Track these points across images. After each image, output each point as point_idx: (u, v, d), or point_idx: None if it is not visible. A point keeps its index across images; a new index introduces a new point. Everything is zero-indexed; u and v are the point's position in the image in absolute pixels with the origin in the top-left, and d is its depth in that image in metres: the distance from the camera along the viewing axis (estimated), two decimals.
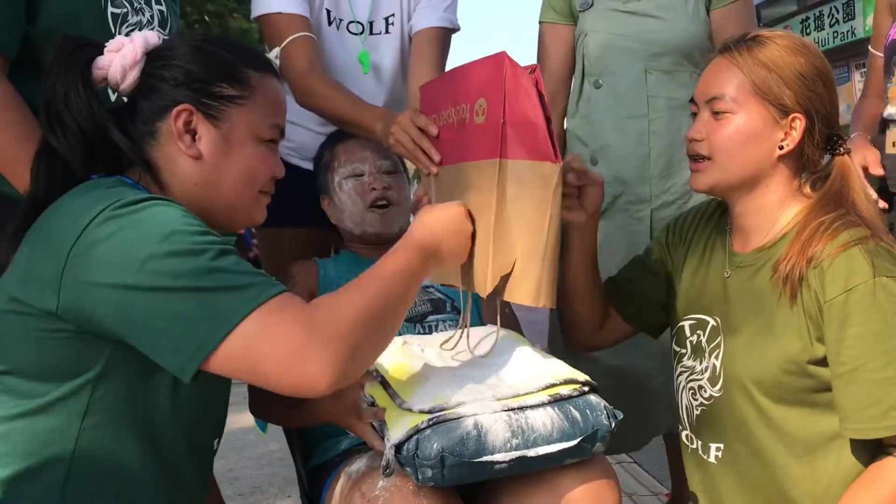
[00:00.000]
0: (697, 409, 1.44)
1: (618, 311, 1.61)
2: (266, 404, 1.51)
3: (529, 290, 1.23)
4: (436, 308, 1.69)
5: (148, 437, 1.11)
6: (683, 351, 1.48)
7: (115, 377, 1.07)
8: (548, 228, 1.21)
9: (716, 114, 1.35)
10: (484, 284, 1.27)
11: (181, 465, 1.17)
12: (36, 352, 1.05)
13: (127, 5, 1.55)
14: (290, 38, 1.73)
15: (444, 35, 1.95)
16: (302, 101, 1.76)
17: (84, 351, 1.05)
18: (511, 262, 1.25)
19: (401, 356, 1.37)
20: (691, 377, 1.45)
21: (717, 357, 1.40)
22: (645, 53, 1.95)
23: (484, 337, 1.46)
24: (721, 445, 1.40)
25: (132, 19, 1.55)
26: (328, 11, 1.88)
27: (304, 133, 1.95)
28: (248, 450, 3.45)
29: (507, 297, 1.26)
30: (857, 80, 3.27)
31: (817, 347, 1.27)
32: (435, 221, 1.25)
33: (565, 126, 2.06)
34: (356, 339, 1.04)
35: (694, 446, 1.46)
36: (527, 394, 1.27)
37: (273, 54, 1.32)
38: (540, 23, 2.10)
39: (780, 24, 3.54)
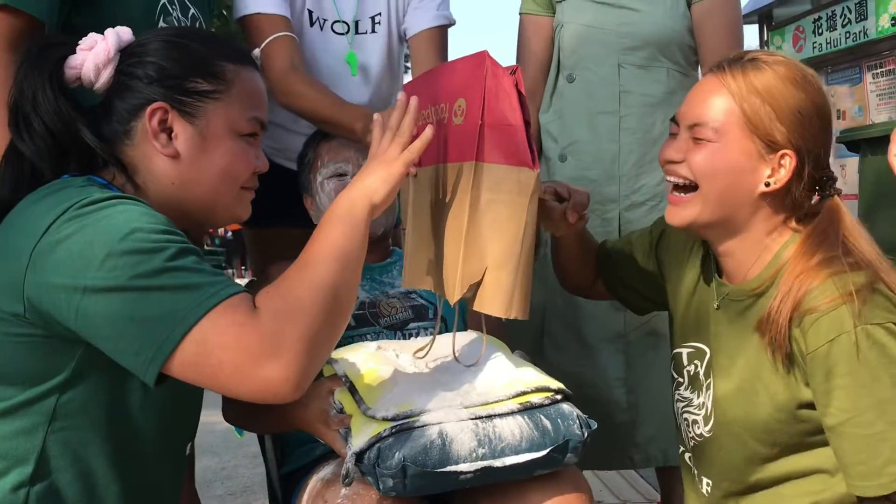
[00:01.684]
0: (691, 442, 1.39)
1: (604, 284, 1.61)
2: (237, 411, 1.48)
3: (501, 301, 1.18)
4: (418, 315, 1.65)
5: (118, 440, 1.08)
6: (681, 380, 1.43)
7: (84, 381, 1.04)
8: (522, 237, 1.17)
9: (696, 139, 1.26)
10: (452, 291, 1.23)
11: (152, 469, 1.15)
12: (4, 355, 1.03)
13: (175, 24, 1.55)
14: (270, 37, 1.70)
15: (441, 33, 1.92)
16: (282, 102, 1.74)
17: (52, 355, 1.02)
18: (482, 269, 1.20)
19: (372, 361, 1.34)
20: (688, 408, 1.40)
21: (709, 397, 1.35)
22: (619, 47, 1.89)
23: (465, 344, 1.42)
24: (710, 482, 1.36)
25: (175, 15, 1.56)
26: (310, 12, 1.85)
27: (290, 135, 1.92)
28: (244, 448, 3.43)
29: (476, 307, 1.22)
30: (869, 81, 3.21)
31: (805, 391, 1.21)
32: (354, 185, 1.17)
33: (540, 121, 2.02)
34: (311, 333, 1.00)
35: (693, 472, 1.41)
36: (496, 402, 1.23)
37: (253, 55, 1.29)
38: (520, 14, 2.05)
39: (792, 24, 3.49)
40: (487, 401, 1.23)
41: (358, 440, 1.18)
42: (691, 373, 1.41)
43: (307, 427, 1.34)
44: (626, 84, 1.90)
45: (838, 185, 1.31)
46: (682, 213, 1.29)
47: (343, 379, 1.30)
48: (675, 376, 1.45)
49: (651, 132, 1.89)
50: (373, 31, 1.91)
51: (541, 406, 1.24)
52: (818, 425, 1.20)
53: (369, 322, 1.61)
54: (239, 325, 0.97)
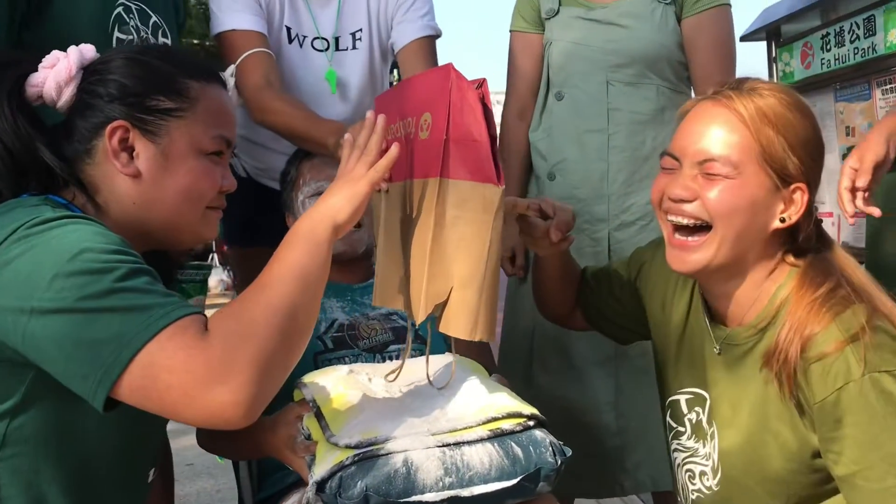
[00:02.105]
0: (693, 494, 1.33)
1: (583, 314, 1.56)
2: (209, 436, 1.45)
3: (465, 322, 1.14)
4: (398, 337, 1.61)
5: (73, 468, 1.05)
6: (682, 429, 1.36)
7: (36, 406, 1.01)
8: (487, 256, 1.13)
9: (708, 174, 1.18)
10: (418, 310, 1.20)
11: (110, 498, 1.11)
12: None
13: (133, 33, 1.52)
14: (245, 54, 1.69)
15: (428, 44, 1.91)
16: (257, 118, 1.72)
17: (1, 379, 0.99)
18: (447, 289, 1.16)
19: (342, 386, 1.30)
20: (691, 459, 1.34)
21: (714, 447, 1.28)
22: (606, 64, 1.86)
23: (441, 367, 1.38)
24: None
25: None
26: (288, 29, 1.84)
27: (273, 155, 1.90)
28: (241, 470, 3.38)
29: (441, 329, 1.18)
30: (879, 97, 3.14)
31: (814, 438, 1.15)
32: (318, 205, 1.13)
33: (530, 139, 1.98)
34: (264, 357, 0.95)
35: None
36: (465, 428, 1.19)
37: (228, 72, 1.28)
38: (510, 31, 2.02)
39: (800, 40, 3.42)
40: (456, 427, 1.19)
41: (320, 468, 1.14)
42: (693, 421, 1.34)
43: (276, 453, 1.31)
44: (615, 101, 1.86)
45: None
46: (695, 258, 1.20)
47: (311, 404, 1.27)
48: (674, 425, 1.38)
49: (640, 150, 1.85)
50: (353, 47, 1.89)
51: (512, 433, 1.20)
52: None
53: (348, 345, 1.57)
54: (188, 347, 0.93)
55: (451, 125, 1.14)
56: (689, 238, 1.21)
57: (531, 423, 1.22)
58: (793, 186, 1.17)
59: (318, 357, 1.54)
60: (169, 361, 0.92)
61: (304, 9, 1.85)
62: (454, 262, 1.16)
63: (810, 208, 1.19)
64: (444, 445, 1.16)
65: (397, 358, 1.58)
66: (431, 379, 1.32)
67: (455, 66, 1.16)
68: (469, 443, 1.17)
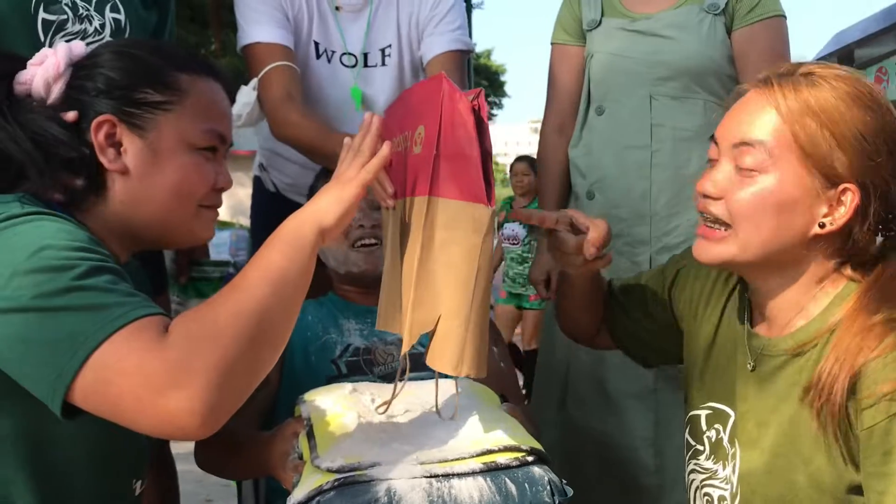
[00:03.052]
0: None
1: (610, 333, 1.45)
2: (208, 455, 1.39)
3: (450, 355, 1.05)
4: (415, 364, 1.54)
5: (47, 479, 1.01)
6: (700, 448, 1.25)
7: (4, 411, 0.97)
8: (475, 283, 1.04)
9: (741, 169, 1.09)
10: (405, 338, 1.12)
11: None
12: None
13: (68, 11, 1.44)
14: (267, 67, 1.66)
15: (458, 58, 1.85)
16: (275, 133, 1.69)
17: None
18: (434, 318, 1.08)
19: (340, 406, 1.25)
20: (709, 482, 1.22)
21: (734, 469, 1.17)
22: (650, 77, 1.77)
23: (450, 396, 1.31)
24: None
25: (72, 28, 1.46)
26: (316, 44, 1.81)
27: (300, 170, 1.88)
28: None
29: (428, 362, 1.10)
30: None
31: (853, 473, 1.03)
32: (305, 207, 1.08)
33: (569, 156, 1.91)
34: (226, 363, 0.89)
35: None
36: (457, 459, 1.11)
37: (251, 85, 1.26)
38: (551, 44, 1.96)
39: (874, 64, 3.23)
40: (447, 458, 1.11)
41: (299, 491, 1.08)
42: (713, 439, 1.22)
43: (271, 471, 1.26)
44: (659, 117, 1.77)
45: None
46: (715, 250, 1.13)
47: (305, 422, 1.22)
48: (693, 443, 1.27)
49: (685, 168, 1.76)
50: (382, 63, 1.85)
51: (507, 467, 1.11)
52: None
53: (362, 370, 1.51)
54: (143, 350, 0.88)
55: (442, 140, 1.07)
56: (714, 227, 1.13)
57: (530, 458, 1.13)
58: (841, 187, 1.04)
59: (331, 382, 1.49)
60: (122, 364, 0.87)
61: (333, 23, 1.82)
62: (443, 290, 1.08)
63: (867, 213, 1.05)
64: (431, 476, 1.08)
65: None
66: (440, 407, 1.25)
67: (447, 77, 1.09)
68: (459, 475, 1.09)
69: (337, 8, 1.81)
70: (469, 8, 1.99)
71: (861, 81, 1.09)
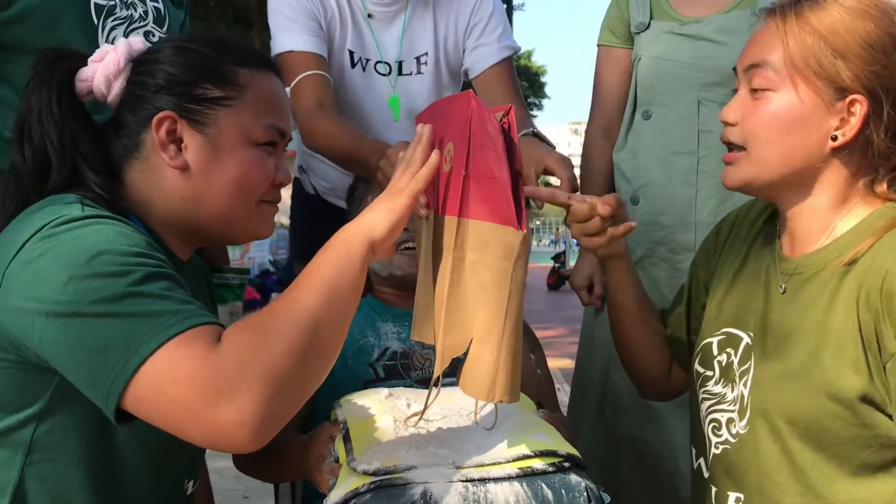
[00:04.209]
0: (718, 449, 1.20)
1: (676, 359, 1.41)
2: (245, 457, 1.39)
3: (482, 381, 1.04)
4: (452, 370, 1.53)
5: (103, 477, 1.02)
6: (709, 374, 1.24)
7: (62, 412, 0.99)
8: (506, 309, 1.02)
9: (754, 91, 1.13)
10: (437, 362, 1.11)
11: None
12: None
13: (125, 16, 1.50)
14: (300, 76, 1.65)
15: (507, 66, 1.84)
16: (306, 142, 1.68)
17: (28, 383, 0.97)
18: (466, 341, 1.07)
19: (376, 409, 1.25)
20: (717, 406, 1.21)
21: (745, 384, 1.16)
22: (699, 82, 1.74)
23: (486, 406, 1.30)
24: (742, 496, 1.15)
25: (120, 13, 1.50)
26: (351, 52, 1.79)
27: (338, 174, 1.86)
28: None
29: (461, 387, 1.09)
30: None
31: (877, 384, 1.02)
32: (357, 219, 1.07)
33: (614, 160, 1.88)
34: (278, 375, 0.89)
35: (711, 491, 1.22)
36: (493, 464, 1.10)
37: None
38: (598, 46, 1.94)
39: None
40: (483, 462, 1.11)
41: (336, 494, 1.08)
42: (723, 363, 1.22)
43: (308, 474, 1.26)
44: (707, 123, 1.74)
45: None
46: (737, 173, 1.16)
47: (342, 425, 1.23)
48: (702, 370, 1.26)
49: None
50: (418, 72, 1.83)
51: (544, 473, 1.10)
52: (881, 436, 1.01)
53: (399, 374, 1.50)
54: (196, 358, 0.87)
55: (471, 160, 1.05)
56: (735, 152, 1.17)
57: (567, 464, 1.12)
58: (849, 98, 1.07)
59: (368, 385, 1.49)
60: (175, 373, 0.87)
61: (367, 31, 1.80)
62: (475, 314, 1.06)
63: (881, 121, 1.07)
64: (467, 480, 1.08)
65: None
66: (480, 417, 1.24)
67: (475, 94, 1.07)
68: (495, 480, 1.08)
69: (369, 15, 1.79)
70: (510, 9, 1.97)
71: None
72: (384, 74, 1.81)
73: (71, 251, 0.92)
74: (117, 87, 1.10)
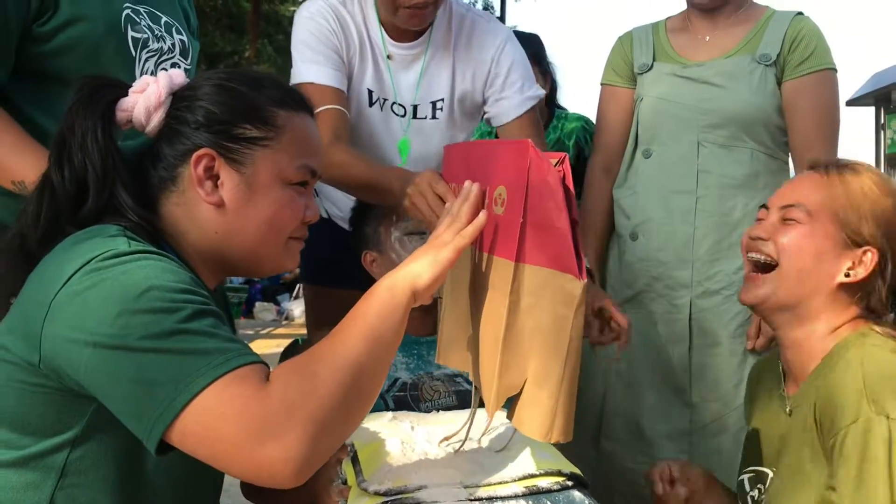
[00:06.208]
0: None
1: None
2: (254, 486, 1.43)
3: (541, 422, 1.06)
4: (461, 402, 1.55)
5: (130, 500, 1.04)
6: None
7: (96, 439, 1.01)
8: (566, 353, 1.05)
9: (784, 220, 1.31)
10: (489, 403, 1.14)
11: None
12: (16, 404, 1.00)
13: (147, 31, 1.53)
14: (318, 110, 1.66)
15: (531, 115, 1.83)
16: (324, 176, 1.72)
17: (65, 409, 1.00)
18: (521, 381, 1.10)
19: (383, 432, 1.29)
20: None
21: None
22: (698, 123, 1.79)
23: (496, 427, 1.34)
24: None
25: (153, 45, 1.54)
26: (370, 92, 1.79)
27: (347, 201, 1.86)
28: None
29: (514, 424, 1.12)
30: None
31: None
32: (401, 267, 1.10)
33: (614, 196, 1.93)
34: (323, 416, 0.92)
35: None
36: (499, 483, 1.15)
37: None
38: (601, 84, 1.99)
39: None
40: (490, 481, 1.15)
41: None
42: (755, 499, 1.30)
43: (316, 498, 1.30)
44: (706, 163, 1.79)
45: None
46: (757, 290, 1.32)
47: (349, 448, 1.26)
48: None
49: (730, 216, 1.77)
50: (433, 116, 1.82)
51: (548, 491, 1.14)
52: None
53: (409, 406, 1.52)
54: (245, 397, 0.91)
55: (529, 208, 1.08)
56: (759, 273, 1.33)
57: (570, 482, 1.17)
58: (864, 249, 1.27)
59: None
60: (224, 409, 0.90)
61: (386, 72, 1.79)
62: (530, 355, 1.10)
63: (885, 275, 1.27)
64: (475, 499, 1.11)
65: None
66: (490, 440, 1.27)
67: (533, 144, 1.10)
68: (502, 498, 1.12)
69: (389, 57, 1.78)
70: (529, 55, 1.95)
71: (887, 177, 1.36)
72: (399, 115, 1.82)
73: (120, 286, 0.95)
74: (157, 118, 1.12)
